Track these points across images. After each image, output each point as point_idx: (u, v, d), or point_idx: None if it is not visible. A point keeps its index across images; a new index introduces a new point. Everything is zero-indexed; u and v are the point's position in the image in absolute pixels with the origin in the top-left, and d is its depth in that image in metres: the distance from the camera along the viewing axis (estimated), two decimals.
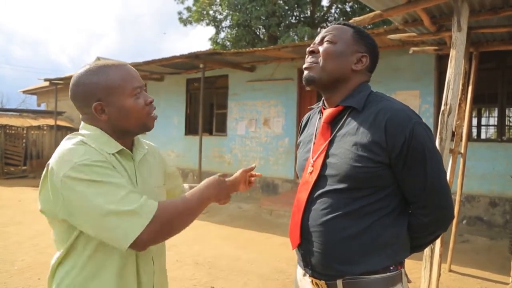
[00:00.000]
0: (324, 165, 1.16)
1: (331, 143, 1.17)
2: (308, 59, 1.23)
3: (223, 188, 1.16)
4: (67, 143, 1.01)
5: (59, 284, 1.02)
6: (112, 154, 1.04)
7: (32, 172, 12.07)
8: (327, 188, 1.14)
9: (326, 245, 1.13)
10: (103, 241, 0.97)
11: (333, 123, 1.20)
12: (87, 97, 1.05)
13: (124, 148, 1.08)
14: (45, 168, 1.00)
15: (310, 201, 1.17)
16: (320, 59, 1.19)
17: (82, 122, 1.11)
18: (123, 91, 1.05)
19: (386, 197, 1.12)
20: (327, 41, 1.21)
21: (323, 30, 1.26)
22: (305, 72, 1.22)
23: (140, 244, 0.93)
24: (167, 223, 0.96)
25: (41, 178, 1.01)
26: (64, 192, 0.93)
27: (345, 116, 1.18)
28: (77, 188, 0.92)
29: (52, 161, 0.99)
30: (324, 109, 1.26)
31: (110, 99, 1.05)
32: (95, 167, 0.94)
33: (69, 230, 1.00)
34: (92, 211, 0.92)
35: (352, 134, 1.13)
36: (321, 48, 1.21)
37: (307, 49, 1.24)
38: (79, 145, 0.98)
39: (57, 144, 12.25)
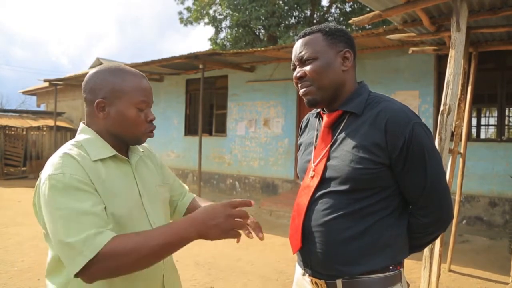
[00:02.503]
0: (325, 168, 1.16)
1: (332, 146, 1.18)
2: (301, 86, 1.20)
3: (220, 225, 0.93)
4: (56, 153, 1.03)
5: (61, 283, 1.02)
6: (103, 159, 1.05)
7: (32, 172, 12.06)
8: (328, 189, 1.15)
9: (327, 246, 1.13)
10: None
11: (334, 126, 1.21)
12: (95, 90, 1.07)
13: (118, 153, 1.09)
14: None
15: (311, 203, 1.17)
16: (312, 81, 1.17)
17: (81, 124, 1.12)
18: (130, 98, 1.07)
19: (386, 198, 1.13)
20: (307, 59, 1.17)
21: (295, 49, 1.21)
22: (305, 99, 1.20)
23: (86, 277, 0.90)
24: (114, 264, 0.89)
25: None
26: (41, 204, 0.98)
27: (345, 119, 1.18)
28: (43, 206, 0.96)
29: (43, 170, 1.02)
30: (323, 113, 1.26)
31: (114, 101, 1.06)
32: (63, 183, 0.93)
33: None
34: (50, 233, 0.94)
35: (353, 136, 1.13)
36: (307, 70, 1.17)
37: (294, 75, 1.21)
38: (61, 157, 0.99)
39: (56, 144, 12.30)
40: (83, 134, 1.09)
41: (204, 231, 0.93)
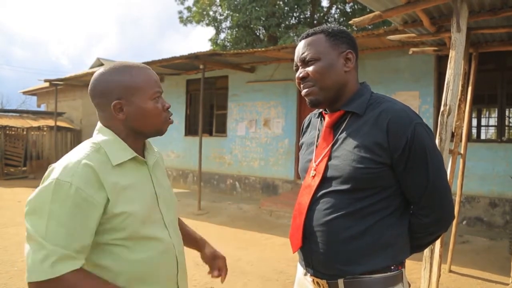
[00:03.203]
0: (326, 168, 1.17)
1: (333, 146, 1.18)
2: (304, 86, 1.20)
3: None
4: (75, 153, 1.01)
5: None
6: (122, 163, 1.04)
7: (32, 173, 12.07)
8: (329, 189, 1.15)
9: (328, 245, 1.13)
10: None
11: (335, 126, 1.21)
12: (107, 94, 1.05)
13: (138, 155, 1.08)
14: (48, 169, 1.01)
15: (313, 202, 1.18)
16: (315, 81, 1.17)
17: (99, 123, 1.11)
18: (145, 92, 1.06)
19: (388, 197, 1.13)
20: (310, 60, 1.18)
21: (298, 50, 1.22)
22: (307, 99, 1.21)
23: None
24: None
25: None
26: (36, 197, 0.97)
27: (347, 119, 1.19)
28: (35, 200, 0.95)
29: (55, 164, 1.00)
30: (325, 113, 1.26)
31: (130, 99, 1.05)
32: (65, 192, 0.92)
33: None
34: (31, 228, 0.92)
35: (354, 136, 1.14)
36: (309, 71, 1.18)
37: (297, 75, 1.22)
38: (77, 163, 0.96)
39: (57, 145, 12.31)
40: (102, 135, 1.07)
41: None
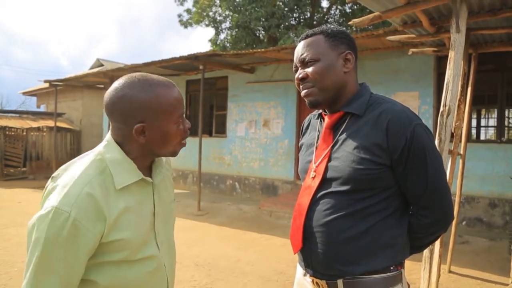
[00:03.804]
0: (326, 169, 1.17)
1: (333, 147, 1.18)
2: (303, 87, 1.21)
3: None
4: (76, 173, 0.94)
5: None
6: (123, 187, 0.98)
7: (32, 173, 12.07)
8: (329, 190, 1.15)
9: (328, 246, 1.14)
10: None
11: (335, 127, 1.21)
12: (129, 114, 0.96)
13: (144, 177, 1.02)
14: (50, 180, 0.98)
15: (313, 203, 1.18)
16: (314, 82, 1.18)
17: (109, 135, 1.03)
18: (170, 116, 0.99)
19: (387, 198, 1.14)
20: (309, 61, 1.18)
21: (297, 51, 1.22)
22: (307, 100, 1.21)
23: None
24: None
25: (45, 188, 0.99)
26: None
27: (347, 120, 1.19)
28: (30, 241, 0.91)
29: (58, 180, 0.95)
30: (325, 114, 1.26)
31: (154, 122, 0.98)
32: (63, 226, 0.88)
33: None
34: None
35: (354, 137, 1.14)
36: (309, 72, 1.18)
37: (296, 76, 1.22)
38: (78, 189, 0.91)
39: (57, 145, 12.31)
40: (110, 152, 0.99)
41: None
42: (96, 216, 0.91)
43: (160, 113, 0.98)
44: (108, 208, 0.93)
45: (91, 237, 0.90)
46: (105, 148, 1.01)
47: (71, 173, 0.95)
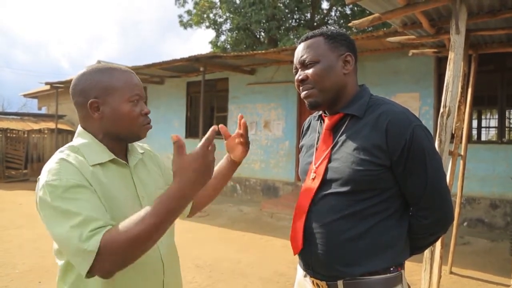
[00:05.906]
0: (326, 170, 1.18)
1: (333, 149, 1.19)
2: (303, 88, 1.21)
3: (204, 173, 1.03)
4: (52, 158, 1.01)
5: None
6: (102, 163, 1.03)
7: (33, 175, 12.07)
8: (329, 191, 1.16)
9: (328, 247, 1.14)
10: None
11: (335, 129, 1.22)
12: (85, 92, 1.05)
13: (116, 157, 1.07)
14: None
15: (313, 204, 1.18)
16: (314, 83, 1.18)
17: (79, 127, 1.11)
18: (122, 94, 1.06)
19: (387, 199, 1.14)
20: (309, 63, 1.19)
21: (297, 52, 1.23)
22: (307, 101, 1.22)
23: (99, 274, 0.88)
24: (117, 257, 0.87)
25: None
26: (39, 210, 0.97)
27: (347, 122, 1.19)
28: (42, 212, 0.95)
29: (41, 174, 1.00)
30: (325, 116, 1.27)
31: (107, 99, 1.05)
32: (60, 188, 0.92)
33: None
34: (53, 237, 0.94)
35: (354, 138, 1.15)
36: (309, 73, 1.19)
37: (296, 78, 1.23)
38: (57, 162, 0.98)
39: (58, 147, 12.29)
40: (80, 138, 1.07)
41: (185, 182, 0.96)
42: (82, 177, 0.97)
43: (112, 89, 1.05)
44: (87, 176, 0.97)
45: (88, 187, 0.96)
46: (76, 138, 1.09)
47: (49, 162, 1.02)
